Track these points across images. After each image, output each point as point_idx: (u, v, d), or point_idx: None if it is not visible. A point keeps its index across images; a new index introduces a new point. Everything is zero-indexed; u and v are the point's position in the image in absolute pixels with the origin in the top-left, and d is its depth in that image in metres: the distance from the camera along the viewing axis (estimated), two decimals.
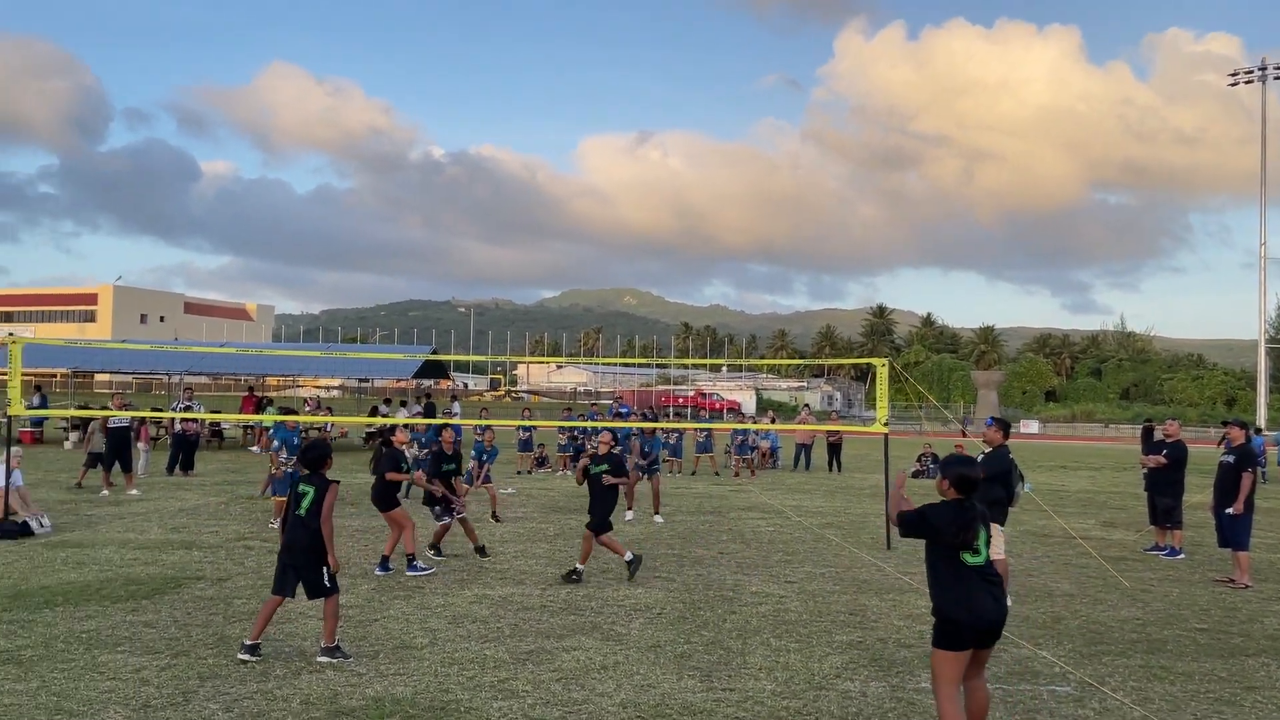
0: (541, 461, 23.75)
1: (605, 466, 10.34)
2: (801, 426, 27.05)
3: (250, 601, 8.55)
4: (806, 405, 33.13)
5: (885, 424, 13.30)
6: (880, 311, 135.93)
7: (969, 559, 5.15)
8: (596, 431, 22.24)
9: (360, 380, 44.11)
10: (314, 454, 7.26)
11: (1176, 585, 10.57)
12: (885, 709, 6.20)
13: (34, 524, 12.13)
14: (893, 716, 6.08)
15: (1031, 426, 70.72)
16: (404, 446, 11.47)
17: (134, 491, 16.70)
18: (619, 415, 25.18)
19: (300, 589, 6.98)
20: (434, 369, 39.62)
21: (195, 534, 12.51)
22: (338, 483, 7.17)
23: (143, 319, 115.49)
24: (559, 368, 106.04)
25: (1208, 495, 11.45)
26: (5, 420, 13.59)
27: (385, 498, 10.41)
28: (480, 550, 11.24)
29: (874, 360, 13.67)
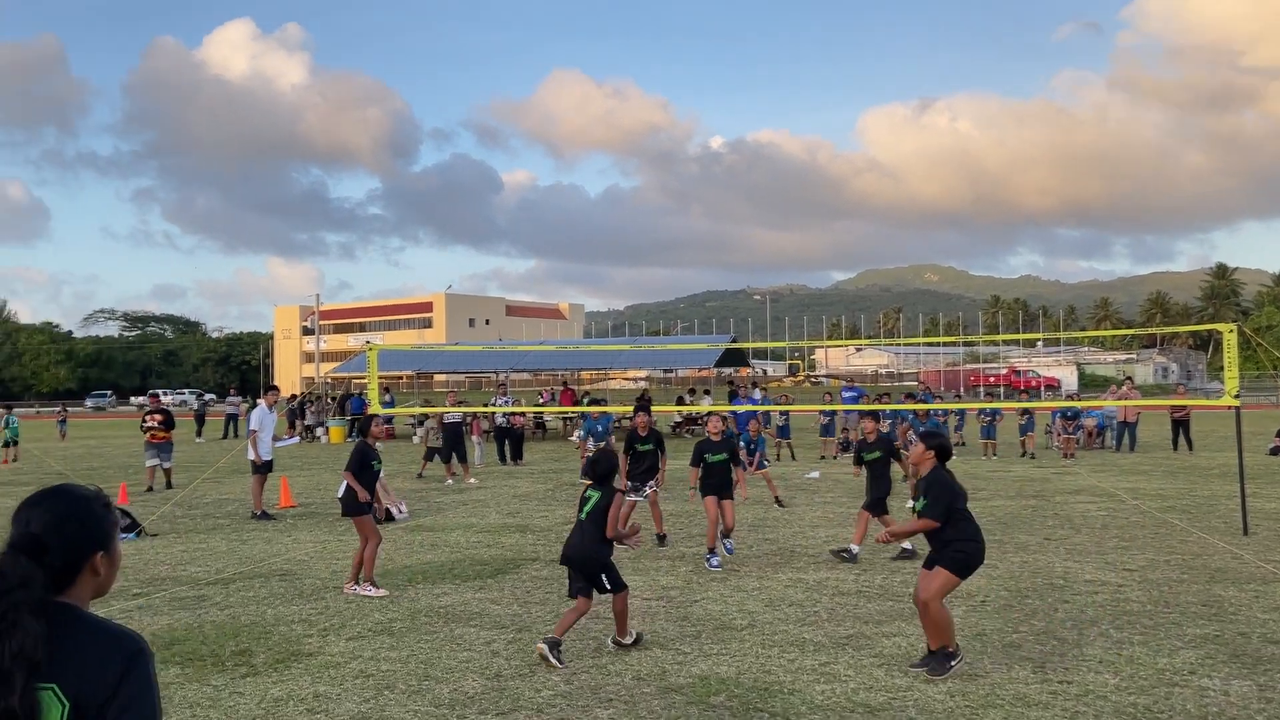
0: (846, 446, 23.50)
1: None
2: (1120, 402, 24.81)
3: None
4: (1128, 378, 30.29)
5: (1236, 396, 11.96)
6: (1222, 271, 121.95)
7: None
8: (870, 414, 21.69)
9: (665, 370, 45.75)
10: (604, 467, 7.14)
11: None
12: (1252, 710, 5.58)
13: (394, 511, 13.65)
14: (1262, 718, 5.47)
15: None
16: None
17: (472, 481, 18.34)
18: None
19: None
20: (734, 357, 40.33)
21: (528, 518, 13.55)
22: (623, 493, 7.19)
23: (470, 323, 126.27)
24: (858, 350, 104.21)
25: None
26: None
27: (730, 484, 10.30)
28: (661, 539, 11.33)
29: (1219, 326, 12.31)
